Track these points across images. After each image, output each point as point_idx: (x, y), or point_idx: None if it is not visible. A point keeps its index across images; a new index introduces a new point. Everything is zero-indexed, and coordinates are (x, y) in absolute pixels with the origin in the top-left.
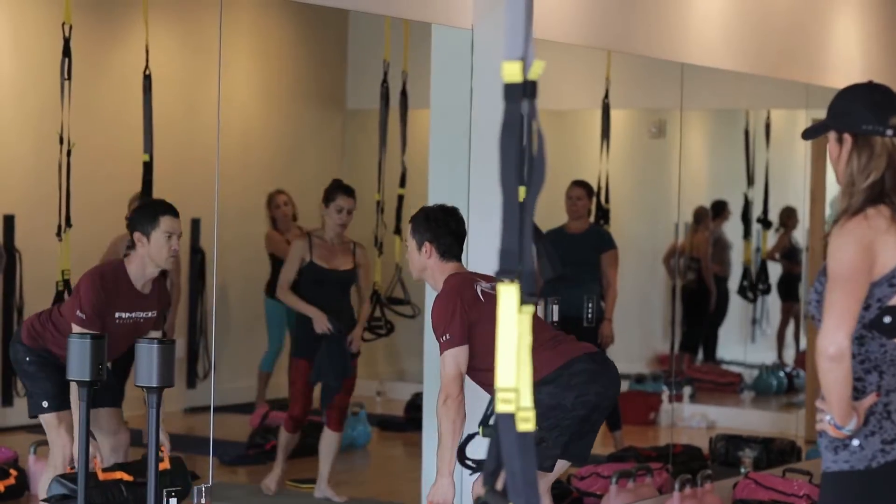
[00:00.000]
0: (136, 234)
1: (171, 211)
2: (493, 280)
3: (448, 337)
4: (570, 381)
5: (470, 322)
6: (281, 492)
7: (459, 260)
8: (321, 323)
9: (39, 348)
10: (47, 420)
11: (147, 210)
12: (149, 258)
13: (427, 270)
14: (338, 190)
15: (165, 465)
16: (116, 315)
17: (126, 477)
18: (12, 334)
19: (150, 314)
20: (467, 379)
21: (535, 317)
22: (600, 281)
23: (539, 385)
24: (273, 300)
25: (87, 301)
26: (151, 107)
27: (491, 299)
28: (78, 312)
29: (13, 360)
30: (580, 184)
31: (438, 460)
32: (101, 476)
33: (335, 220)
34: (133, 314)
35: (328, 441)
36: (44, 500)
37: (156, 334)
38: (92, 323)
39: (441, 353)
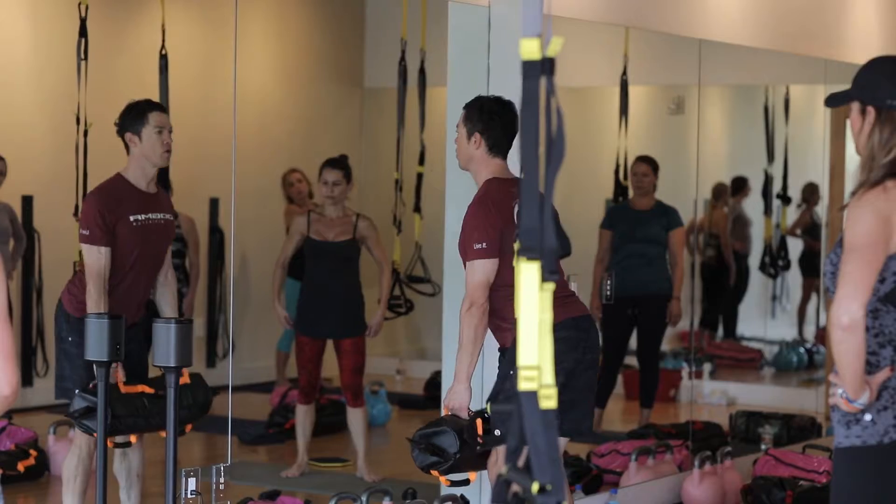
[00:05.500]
0: (128, 136)
1: (158, 107)
2: None
3: (483, 245)
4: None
5: (502, 236)
6: (304, 472)
7: (505, 158)
8: (280, 315)
9: (81, 315)
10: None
11: (134, 110)
12: (144, 157)
13: (473, 162)
14: (326, 164)
15: (185, 379)
16: (132, 218)
17: (148, 390)
18: (31, 314)
19: (165, 216)
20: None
21: None
22: (667, 258)
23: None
24: (290, 279)
25: (89, 217)
26: (167, 87)
27: None
28: (82, 231)
29: (56, 334)
30: (645, 159)
31: (457, 364)
32: (123, 389)
33: (323, 192)
34: (148, 215)
35: (351, 419)
36: (67, 415)
37: (168, 271)
38: (99, 238)
39: (470, 260)
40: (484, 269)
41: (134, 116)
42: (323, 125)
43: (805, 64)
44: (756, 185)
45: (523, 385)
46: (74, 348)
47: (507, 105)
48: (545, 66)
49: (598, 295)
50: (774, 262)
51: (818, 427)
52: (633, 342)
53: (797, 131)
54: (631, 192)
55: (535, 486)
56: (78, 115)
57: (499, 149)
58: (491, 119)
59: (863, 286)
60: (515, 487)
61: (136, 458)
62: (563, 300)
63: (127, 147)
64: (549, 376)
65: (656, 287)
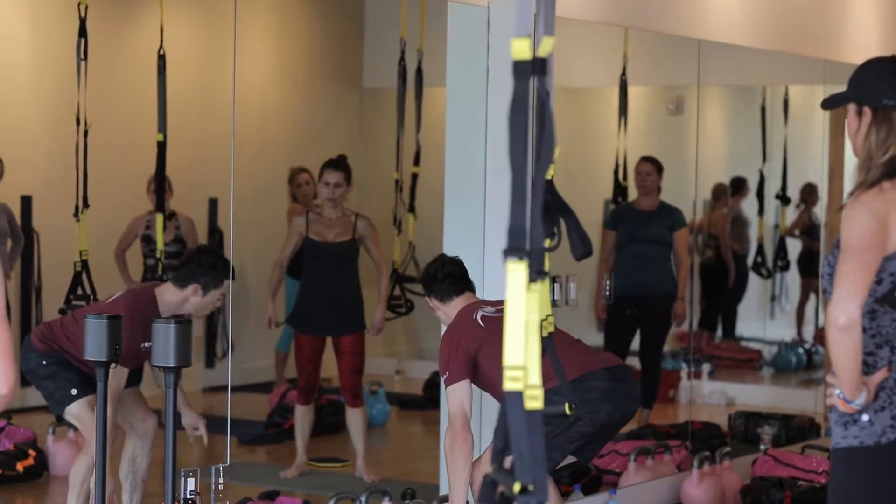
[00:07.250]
0: (194, 286)
1: (231, 275)
2: (498, 304)
3: (448, 374)
4: (583, 395)
5: (474, 352)
6: (303, 472)
7: (465, 292)
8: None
9: (53, 351)
10: (78, 410)
11: (217, 270)
12: (191, 305)
13: (448, 316)
14: (327, 165)
15: None
16: (142, 345)
17: None
18: (30, 314)
19: None
20: None
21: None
22: (671, 259)
23: (550, 394)
24: (290, 278)
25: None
26: (166, 87)
27: (492, 322)
28: None
29: (26, 370)
30: (649, 159)
31: (450, 499)
32: None
33: (324, 193)
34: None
35: (350, 419)
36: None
37: None
38: (122, 360)
39: (446, 391)
40: (454, 394)
41: (213, 277)
42: (322, 125)
43: (804, 64)
44: (754, 185)
45: (508, 385)
46: (53, 368)
47: (439, 260)
48: (536, 67)
49: (601, 296)
50: (766, 261)
51: (817, 427)
52: (634, 343)
53: (796, 132)
54: (634, 193)
55: (516, 486)
56: (78, 116)
57: (451, 294)
58: (434, 281)
59: (859, 287)
60: (502, 488)
61: (143, 464)
62: (590, 350)
63: (183, 284)
64: (535, 376)
65: (660, 288)
